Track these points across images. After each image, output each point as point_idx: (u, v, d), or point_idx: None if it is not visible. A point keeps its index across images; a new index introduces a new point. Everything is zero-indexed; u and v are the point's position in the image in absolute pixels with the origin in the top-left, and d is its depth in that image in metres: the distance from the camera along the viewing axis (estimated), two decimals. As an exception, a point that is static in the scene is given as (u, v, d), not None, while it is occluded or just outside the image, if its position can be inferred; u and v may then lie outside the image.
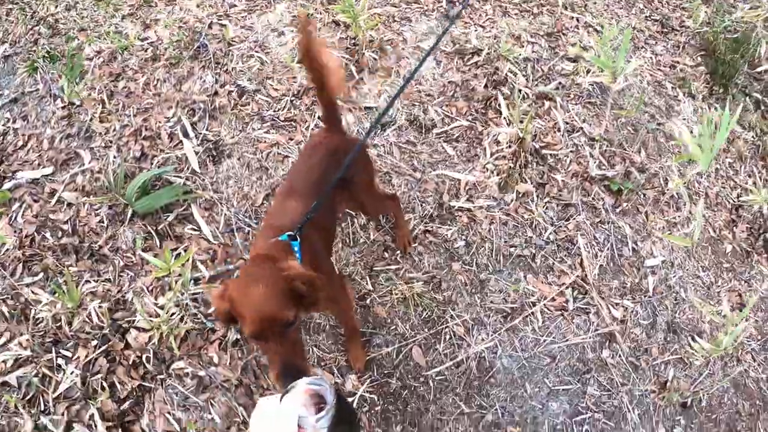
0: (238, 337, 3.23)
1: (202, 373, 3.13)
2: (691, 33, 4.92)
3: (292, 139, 3.96)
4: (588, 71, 4.26)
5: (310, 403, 1.60)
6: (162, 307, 3.16)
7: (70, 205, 3.62)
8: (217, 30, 4.46)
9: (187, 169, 3.79)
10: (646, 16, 5.00)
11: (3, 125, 3.97)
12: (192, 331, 3.22)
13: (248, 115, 4.04)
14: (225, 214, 3.66)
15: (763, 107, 4.50)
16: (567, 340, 3.46)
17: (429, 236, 3.68)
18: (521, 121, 3.86)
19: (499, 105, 4.15)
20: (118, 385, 3.05)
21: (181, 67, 4.21)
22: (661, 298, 3.67)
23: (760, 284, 3.87)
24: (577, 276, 3.62)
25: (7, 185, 3.67)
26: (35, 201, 3.64)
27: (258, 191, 3.75)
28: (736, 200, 4.10)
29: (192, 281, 3.33)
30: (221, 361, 3.17)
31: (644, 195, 3.96)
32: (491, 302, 3.51)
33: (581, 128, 4.12)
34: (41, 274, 3.37)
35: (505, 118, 4.09)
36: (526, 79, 4.29)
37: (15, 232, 3.52)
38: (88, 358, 3.09)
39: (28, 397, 3.00)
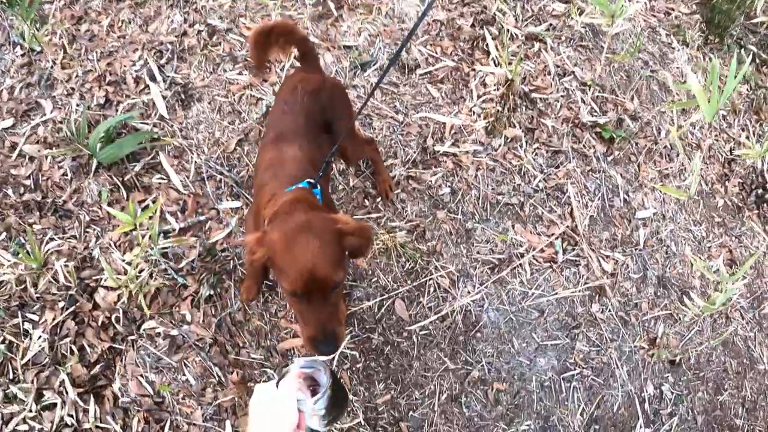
0: (212, 292, 2.95)
1: (174, 332, 2.85)
2: (684, -21, 4.68)
3: (266, 81, 3.62)
4: (581, 12, 3.98)
5: (304, 385, 1.54)
6: (130, 264, 2.87)
7: (32, 158, 3.25)
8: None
9: (155, 114, 3.44)
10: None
11: (-41, 77, 3.57)
12: (162, 288, 2.93)
13: (219, 56, 3.67)
14: (195, 162, 3.32)
15: (758, 60, 4.30)
16: (556, 294, 3.25)
17: (412, 182, 3.40)
18: (510, 63, 3.59)
19: (487, 45, 3.86)
20: (88, 349, 2.77)
21: (147, 7, 3.79)
22: (652, 252, 3.48)
23: (750, 241, 3.71)
24: (567, 226, 3.40)
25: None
26: (-5, 157, 3.28)
27: (230, 136, 3.41)
28: (729, 154, 3.91)
29: (161, 235, 3.03)
30: (194, 319, 2.89)
31: (636, 144, 3.74)
32: (478, 253, 3.28)
33: (572, 72, 3.86)
34: (4, 234, 3.03)
35: (492, 59, 3.81)
36: (516, 19, 4.00)
37: (-25, 192, 3.18)
38: (56, 321, 2.80)
39: (-5, 366, 2.74)
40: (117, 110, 3.42)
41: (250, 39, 2.60)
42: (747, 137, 3.98)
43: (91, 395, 2.67)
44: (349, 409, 2.86)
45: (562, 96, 3.76)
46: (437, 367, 3.02)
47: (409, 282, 3.15)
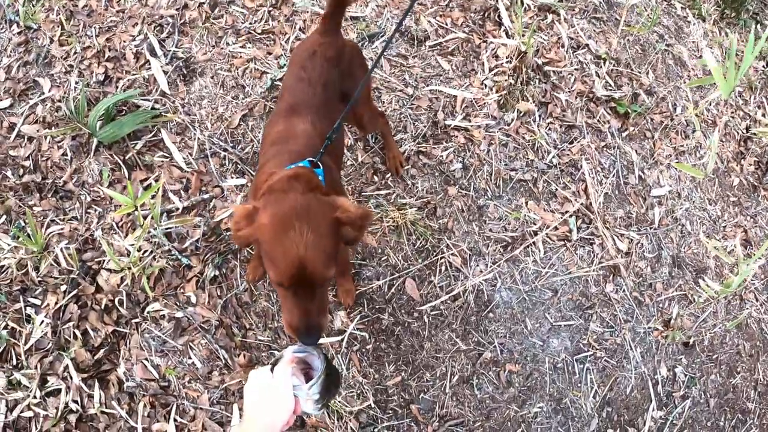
0: (217, 273, 2.83)
1: (179, 314, 2.74)
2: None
3: (270, 54, 3.45)
4: (596, -18, 3.82)
5: (298, 370, 1.54)
6: (132, 245, 2.74)
7: (30, 139, 3.11)
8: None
9: (156, 90, 3.28)
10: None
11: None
12: (166, 270, 2.80)
13: (222, 29, 3.50)
14: (198, 139, 3.17)
15: (774, 35, 4.15)
16: (569, 273, 3.14)
17: (422, 158, 3.27)
18: (523, 35, 3.44)
19: (499, 16, 3.70)
20: (92, 333, 2.66)
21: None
22: (666, 231, 3.36)
23: (766, 220, 3.59)
24: (581, 204, 3.27)
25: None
26: (-7, 138, 3.14)
27: (234, 111, 3.26)
28: (745, 132, 3.78)
29: (164, 214, 2.90)
30: (199, 301, 2.77)
31: (652, 120, 3.60)
32: (490, 231, 3.16)
33: (587, 45, 3.70)
34: (3, 217, 2.90)
35: (505, 30, 3.65)
36: (528, -11, 3.84)
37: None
38: (58, 305, 2.68)
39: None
40: (117, 87, 3.27)
41: None
42: (763, 114, 3.85)
43: (96, 380, 2.56)
44: (360, 392, 2.77)
45: (576, 69, 3.61)
46: (449, 348, 2.92)
47: (419, 261, 3.03)
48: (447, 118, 3.39)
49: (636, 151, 3.50)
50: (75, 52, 3.36)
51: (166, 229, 2.86)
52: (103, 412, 2.51)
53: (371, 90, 2.79)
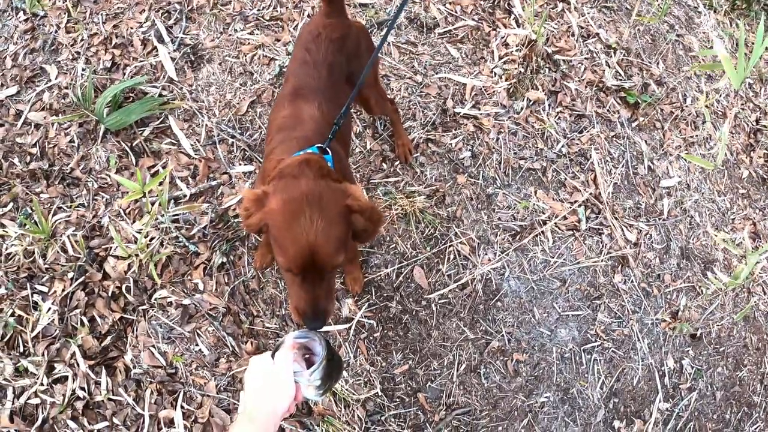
0: (224, 260, 2.77)
1: (186, 301, 2.68)
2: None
3: (278, 40, 3.38)
4: (607, -29, 3.74)
5: (299, 356, 1.51)
6: (140, 232, 2.69)
7: (37, 126, 3.04)
8: None
9: (163, 77, 3.21)
10: None
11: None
12: (174, 257, 2.74)
13: (229, 15, 3.43)
14: (206, 125, 3.11)
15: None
16: (578, 263, 3.09)
17: (431, 146, 3.20)
18: (533, 23, 3.37)
19: (508, 4, 3.62)
20: (99, 320, 2.60)
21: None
22: (675, 222, 3.31)
23: (774, 213, 3.54)
24: (590, 194, 3.22)
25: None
26: (0, 125, 3.05)
27: (242, 98, 3.20)
28: (755, 124, 3.71)
29: (172, 201, 2.84)
30: (207, 288, 2.72)
31: (662, 110, 3.54)
32: (499, 219, 3.10)
33: (597, 34, 3.63)
34: (10, 205, 2.84)
35: (515, 18, 3.58)
36: (539, -22, 3.76)
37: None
38: (65, 292, 2.62)
39: (5, 339, 2.55)
40: (124, 73, 3.20)
41: None
42: (773, 106, 3.78)
43: (103, 367, 2.51)
44: (367, 380, 2.72)
45: (586, 58, 3.54)
46: (456, 336, 2.88)
47: (428, 249, 2.98)
48: (456, 106, 3.32)
49: (645, 141, 3.44)
50: (82, 39, 3.29)
51: (174, 215, 2.81)
52: (110, 399, 2.47)
53: (378, 72, 2.72)
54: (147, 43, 3.30)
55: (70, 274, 2.65)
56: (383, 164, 3.13)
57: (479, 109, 3.32)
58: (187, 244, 2.76)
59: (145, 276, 2.69)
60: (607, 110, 3.45)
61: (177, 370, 2.57)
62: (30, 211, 2.80)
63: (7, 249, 2.70)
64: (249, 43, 3.36)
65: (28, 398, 2.43)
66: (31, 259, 2.69)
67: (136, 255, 2.66)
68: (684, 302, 3.16)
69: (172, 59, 3.25)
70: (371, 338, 2.79)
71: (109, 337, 2.57)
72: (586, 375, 2.94)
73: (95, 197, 2.89)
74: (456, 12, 3.61)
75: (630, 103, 3.47)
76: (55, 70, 3.19)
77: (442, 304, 2.91)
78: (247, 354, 2.61)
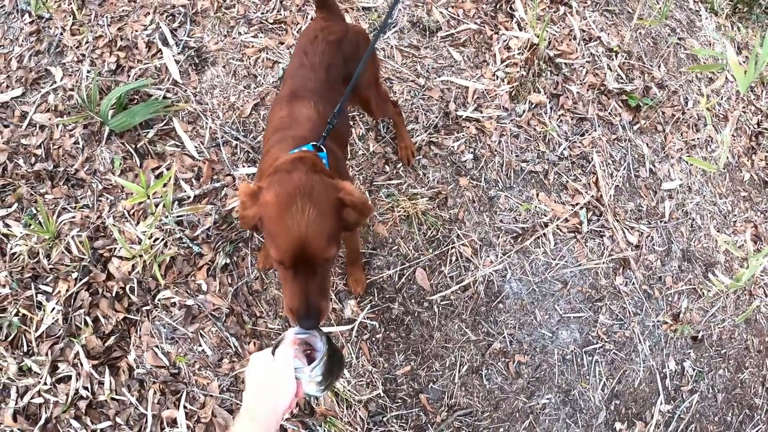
0: (228, 261, 2.76)
1: (190, 302, 2.67)
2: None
3: (282, 44, 3.37)
4: (609, -25, 3.73)
5: (300, 352, 1.50)
6: (144, 233, 2.68)
7: (42, 127, 3.04)
8: None
9: (168, 79, 3.21)
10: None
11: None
12: (178, 258, 2.74)
13: (233, 19, 3.43)
14: (210, 128, 3.10)
15: (787, 30, 4.06)
16: (579, 265, 3.07)
17: (434, 148, 3.19)
18: (535, 27, 3.35)
19: (511, 8, 3.61)
20: (102, 320, 2.60)
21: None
22: (677, 224, 3.29)
23: (776, 216, 3.52)
24: (592, 196, 3.20)
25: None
26: (5, 126, 3.05)
27: (246, 101, 3.19)
28: (756, 127, 3.69)
29: (176, 202, 2.84)
30: (210, 289, 2.71)
31: (663, 113, 3.52)
32: (501, 221, 3.09)
33: (599, 37, 3.61)
34: (15, 205, 2.84)
35: (517, 22, 3.56)
36: (541, -19, 3.75)
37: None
38: (69, 292, 2.62)
39: (9, 339, 2.55)
40: (129, 76, 3.20)
41: None
42: (774, 109, 3.76)
43: (107, 367, 2.51)
44: (369, 381, 2.71)
45: (587, 62, 3.53)
46: (458, 338, 2.86)
47: (430, 250, 2.97)
48: (458, 108, 3.31)
49: (647, 144, 3.42)
50: (87, 42, 3.29)
51: (178, 217, 2.80)
52: (113, 399, 2.46)
53: (378, 74, 2.71)
54: (151, 45, 3.30)
55: (75, 275, 2.65)
56: (386, 166, 3.12)
57: (481, 112, 3.31)
58: (190, 245, 2.75)
59: (149, 277, 2.68)
60: (609, 113, 3.43)
61: (180, 371, 2.56)
62: (35, 212, 2.80)
63: (11, 249, 2.70)
64: (253, 46, 3.35)
65: (32, 397, 2.42)
66: (36, 259, 2.69)
67: (140, 256, 2.65)
68: (685, 304, 3.13)
69: (177, 62, 3.25)
70: (373, 339, 2.78)
71: (112, 337, 2.57)
72: (587, 377, 2.92)
73: (99, 198, 2.89)
74: (458, 15, 3.60)
75: (631, 106, 3.46)
76: (60, 71, 3.19)
77: (444, 306, 2.89)
78: (250, 354, 2.59)
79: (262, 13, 3.47)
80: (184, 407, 2.50)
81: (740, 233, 3.36)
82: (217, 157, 3.03)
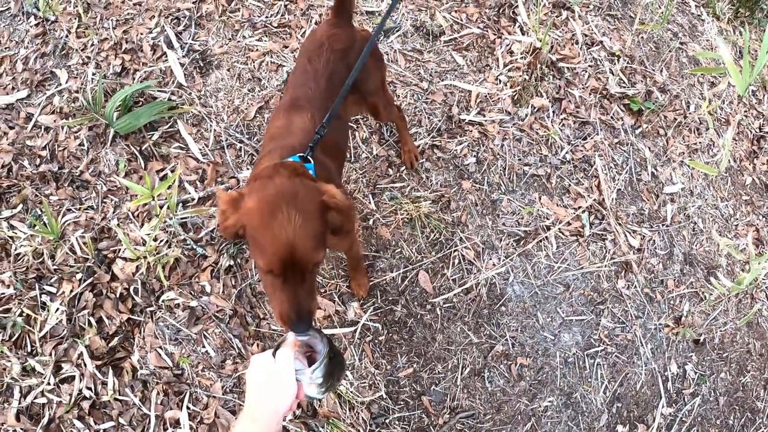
0: (231, 263, 2.75)
1: (193, 303, 2.66)
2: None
3: (286, 47, 3.37)
4: (611, -20, 3.72)
5: (301, 353, 1.48)
6: (148, 234, 2.67)
7: (47, 129, 3.04)
8: None
9: (173, 82, 3.20)
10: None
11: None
12: (181, 259, 2.72)
13: (238, 22, 3.42)
14: (214, 130, 3.09)
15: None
16: (582, 268, 3.05)
17: (437, 152, 3.18)
18: (538, 31, 3.34)
19: (514, 12, 3.60)
20: (106, 320, 2.58)
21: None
22: (679, 228, 3.27)
23: (778, 219, 3.49)
24: (594, 200, 3.18)
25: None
26: (11, 128, 3.05)
27: (250, 104, 3.18)
28: (758, 131, 3.66)
29: (180, 205, 2.82)
30: (214, 290, 2.69)
31: (665, 117, 3.50)
32: (503, 225, 3.07)
33: (601, 42, 3.60)
34: (20, 206, 2.83)
35: (519, 26, 3.55)
36: (543, -14, 3.74)
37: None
38: (74, 293, 2.61)
39: (13, 339, 2.53)
40: (134, 78, 3.19)
41: None
42: (776, 113, 3.74)
43: (110, 367, 2.49)
44: (372, 383, 2.69)
45: (590, 66, 3.51)
46: (461, 340, 2.84)
47: (433, 253, 2.95)
48: (461, 112, 3.30)
49: (649, 148, 3.40)
50: (92, 44, 3.29)
51: (182, 219, 2.79)
52: (116, 399, 2.45)
53: (385, 79, 2.69)
54: (156, 48, 3.29)
55: (79, 275, 2.63)
56: (389, 170, 3.10)
57: (484, 116, 3.29)
58: (194, 246, 2.74)
59: (153, 278, 2.67)
60: (611, 117, 3.41)
61: (183, 371, 2.54)
62: (40, 213, 2.79)
63: (16, 249, 2.69)
64: (257, 49, 3.35)
65: (35, 397, 2.41)
66: (40, 259, 2.68)
67: (145, 257, 2.64)
68: (687, 308, 3.11)
69: (182, 65, 3.24)
70: (376, 341, 2.76)
71: (116, 338, 2.55)
72: (589, 379, 2.90)
73: (104, 200, 2.88)
74: (461, 20, 3.59)
75: (633, 110, 3.44)
76: (66, 74, 3.18)
77: (446, 308, 2.87)
78: (252, 356, 2.58)
79: (267, 17, 3.46)
80: (187, 408, 2.48)
81: (742, 237, 3.34)
82: (221, 159, 3.02)
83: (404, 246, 2.94)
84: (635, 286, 3.08)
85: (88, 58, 3.24)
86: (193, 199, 2.88)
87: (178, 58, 3.26)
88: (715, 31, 3.85)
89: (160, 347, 2.56)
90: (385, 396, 2.68)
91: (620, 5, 3.79)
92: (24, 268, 2.66)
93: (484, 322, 2.88)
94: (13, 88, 3.15)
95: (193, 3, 3.45)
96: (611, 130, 3.40)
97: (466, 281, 2.92)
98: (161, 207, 2.66)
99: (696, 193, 3.38)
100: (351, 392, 2.62)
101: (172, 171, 2.94)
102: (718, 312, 3.15)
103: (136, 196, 2.73)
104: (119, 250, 2.71)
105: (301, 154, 1.88)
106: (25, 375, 2.45)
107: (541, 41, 3.30)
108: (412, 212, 2.97)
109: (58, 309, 2.55)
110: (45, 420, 2.38)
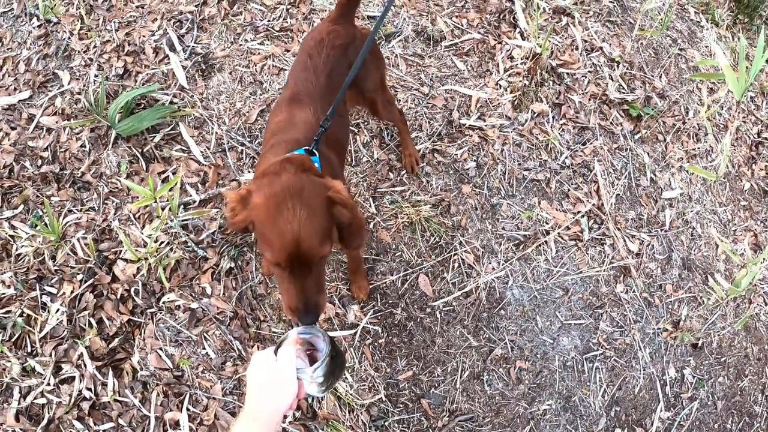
0: (232, 265, 2.73)
1: (194, 305, 2.64)
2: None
3: (288, 51, 3.36)
4: (611, -13, 3.71)
5: (302, 352, 1.47)
6: (149, 236, 2.66)
7: (49, 130, 3.02)
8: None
9: (175, 85, 3.19)
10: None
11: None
12: (182, 261, 2.71)
13: (240, 26, 3.41)
14: (216, 133, 3.08)
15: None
16: (581, 272, 3.03)
17: (437, 156, 3.17)
18: (538, 37, 3.33)
19: (514, 18, 3.59)
20: (107, 322, 2.57)
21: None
22: (677, 233, 3.25)
23: (776, 225, 3.48)
24: (593, 204, 3.17)
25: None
26: (12, 128, 3.04)
27: (252, 107, 3.17)
28: (756, 137, 3.66)
29: (181, 206, 2.81)
30: (214, 292, 2.68)
31: (664, 123, 3.49)
32: (503, 229, 3.05)
33: (600, 48, 3.59)
34: (21, 207, 2.82)
35: (520, 32, 3.54)
36: (543, -8, 3.73)
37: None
38: (74, 294, 2.59)
39: (13, 339, 2.52)
40: (136, 81, 3.18)
41: None
42: (774, 119, 3.73)
43: (110, 368, 2.47)
44: (371, 385, 2.67)
45: (589, 72, 3.50)
46: (460, 343, 2.82)
47: (433, 257, 2.94)
48: (462, 117, 3.28)
49: (648, 153, 3.39)
50: (95, 46, 3.28)
51: (183, 220, 2.78)
52: (116, 400, 2.43)
53: (385, 77, 2.68)
54: (159, 51, 3.28)
55: (80, 276, 2.62)
56: (390, 173, 3.09)
57: (484, 121, 3.28)
58: (195, 248, 2.72)
59: (154, 279, 2.65)
60: (610, 123, 3.40)
61: (183, 373, 2.53)
62: (41, 213, 2.78)
63: (17, 250, 2.67)
64: (259, 53, 3.34)
65: (35, 398, 2.39)
66: (41, 260, 2.66)
67: (146, 259, 2.63)
68: (685, 312, 3.10)
69: (184, 68, 3.23)
70: (376, 344, 2.74)
71: (116, 339, 2.53)
72: (588, 383, 2.88)
73: (105, 201, 2.86)
74: (462, 25, 3.58)
75: (633, 116, 3.43)
76: (68, 75, 3.17)
77: (446, 312, 2.86)
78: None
79: (269, 21, 3.45)
80: (187, 410, 2.46)
81: (740, 242, 3.32)
82: (222, 162, 3.01)
83: (404, 249, 2.92)
84: (634, 291, 3.07)
85: (91, 59, 3.23)
86: (194, 201, 2.86)
87: (180, 61, 3.25)
88: (714, 37, 3.85)
89: (161, 349, 2.55)
90: (384, 399, 2.66)
91: (620, 11, 3.78)
92: (25, 269, 2.64)
93: (483, 326, 2.86)
94: (15, 89, 3.14)
95: (196, 6, 3.44)
96: (610, 135, 3.38)
97: (466, 285, 2.91)
98: (163, 209, 2.65)
99: (694, 199, 3.37)
100: (350, 395, 2.60)
101: (174, 173, 2.93)
102: (716, 316, 3.13)
103: (137, 197, 2.73)
104: (120, 251, 2.70)
105: (307, 147, 1.89)
106: (25, 375, 2.43)
107: (541, 47, 3.29)
108: (413, 216, 2.96)
109: (58, 310, 2.53)
110: (45, 420, 2.36)
